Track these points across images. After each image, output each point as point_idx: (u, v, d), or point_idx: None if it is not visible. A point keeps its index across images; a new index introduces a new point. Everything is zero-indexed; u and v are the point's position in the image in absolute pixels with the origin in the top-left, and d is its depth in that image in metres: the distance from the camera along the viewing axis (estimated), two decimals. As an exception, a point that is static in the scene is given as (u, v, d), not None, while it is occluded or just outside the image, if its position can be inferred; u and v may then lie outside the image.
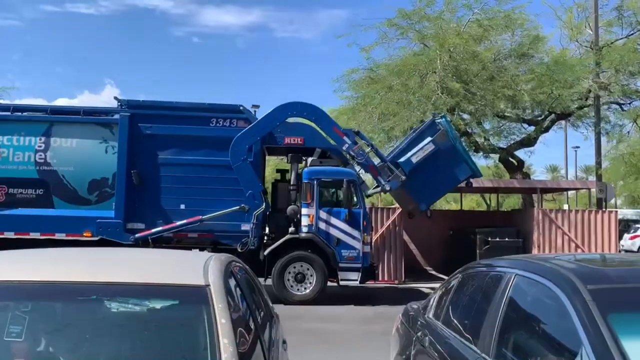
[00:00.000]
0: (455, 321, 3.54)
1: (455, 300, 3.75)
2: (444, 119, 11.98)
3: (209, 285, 2.24)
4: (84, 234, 10.83)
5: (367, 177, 13.30)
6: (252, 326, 2.70)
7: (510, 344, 2.76)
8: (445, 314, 3.76)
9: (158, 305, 2.30)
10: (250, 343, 2.48)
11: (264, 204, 11.19)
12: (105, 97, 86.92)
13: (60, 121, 11.27)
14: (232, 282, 2.70)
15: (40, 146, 11.07)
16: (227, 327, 2.03)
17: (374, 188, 12.39)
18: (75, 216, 10.87)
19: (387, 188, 11.58)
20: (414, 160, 11.50)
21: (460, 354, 3.08)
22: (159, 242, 10.93)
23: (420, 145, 11.60)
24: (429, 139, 11.63)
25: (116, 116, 11.28)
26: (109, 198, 11.07)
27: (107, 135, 11.23)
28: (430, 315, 3.96)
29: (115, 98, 11.64)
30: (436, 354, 3.42)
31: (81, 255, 2.89)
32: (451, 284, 3.94)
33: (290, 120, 11.76)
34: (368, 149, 11.91)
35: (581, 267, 2.82)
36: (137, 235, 10.87)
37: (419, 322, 4.07)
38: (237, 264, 3.24)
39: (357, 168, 11.89)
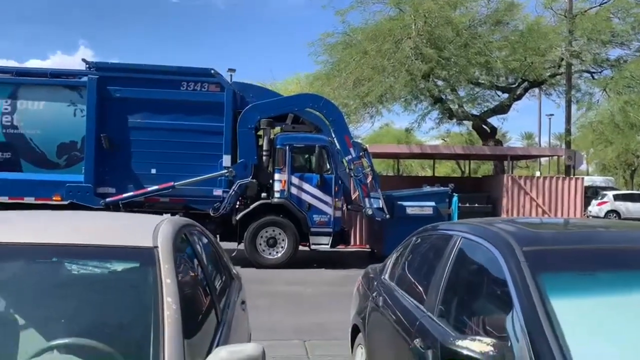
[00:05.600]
0: (407, 281, 3.68)
1: (408, 262, 3.89)
2: (457, 196, 12.34)
3: (157, 246, 2.29)
4: (54, 198, 10.75)
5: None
6: (205, 286, 2.78)
7: (453, 303, 2.89)
8: (398, 275, 3.90)
9: (107, 265, 2.36)
10: (199, 302, 2.57)
11: (251, 176, 11.23)
12: (79, 59, 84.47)
13: (26, 83, 11.05)
14: (185, 245, 2.76)
15: (6, 109, 10.86)
16: (172, 286, 2.10)
17: (355, 205, 12.56)
18: (44, 180, 10.77)
19: (369, 212, 11.61)
20: (409, 211, 11.68)
21: (409, 312, 3.21)
22: (130, 206, 10.91)
23: (423, 204, 11.84)
24: (433, 203, 11.82)
25: (84, 79, 11.07)
26: (78, 162, 10.97)
27: (76, 98, 11.04)
28: (386, 277, 4.10)
29: (84, 60, 11.44)
30: (388, 313, 3.56)
31: (28, 218, 2.92)
32: (406, 247, 4.07)
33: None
34: (368, 170, 11.98)
35: (521, 230, 2.95)
36: (107, 199, 10.83)
37: (375, 283, 4.21)
38: (194, 227, 3.30)
39: (332, 136, 11.89)
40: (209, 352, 2.12)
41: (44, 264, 2.29)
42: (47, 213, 3.32)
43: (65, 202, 10.71)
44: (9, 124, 10.86)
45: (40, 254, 2.26)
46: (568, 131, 18.45)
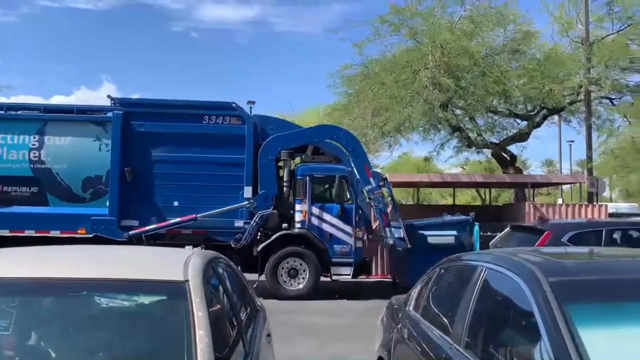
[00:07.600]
0: (432, 313, 3.68)
1: (433, 293, 3.89)
2: (478, 225, 12.18)
3: (187, 280, 2.36)
4: (79, 231, 10.92)
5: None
6: (232, 319, 2.83)
7: (479, 335, 2.89)
8: (423, 306, 3.90)
9: (140, 299, 2.42)
10: (228, 335, 2.61)
11: (272, 207, 11.32)
12: (103, 94, 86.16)
13: (54, 119, 11.35)
14: (213, 278, 2.82)
15: (34, 144, 11.15)
16: (203, 319, 2.15)
17: (376, 235, 12.54)
18: (69, 214, 10.96)
19: (390, 242, 11.54)
20: (430, 240, 11.48)
21: (436, 345, 3.21)
22: (153, 238, 11.03)
23: (444, 233, 11.66)
24: (455, 233, 11.66)
25: (109, 114, 11.35)
26: (103, 195, 11.16)
27: (101, 133, 11.30)
28: (411, 308, 4.10)
29: (109, 96, 11.75)
30: (413, 345, 3.56)
31: (65, 253, 3.01)
32: (430, 278, 4.07)
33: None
34: (388, 199, 12.00)
35: (546, 260, 2.96)
36: (131, 232, 10.96)
37: (399, 315, 4.21)
38: (221, 260, 3.36)
39: (352, 166, 11.95)
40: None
41: (75, 298, 2.37)
42: (78, 248, 3.42)
43: (90, 235, 10.87)
44: (36, 159, 11.14)
45: (74, 289, 2.33)
46: (589, 158, 18.29)
